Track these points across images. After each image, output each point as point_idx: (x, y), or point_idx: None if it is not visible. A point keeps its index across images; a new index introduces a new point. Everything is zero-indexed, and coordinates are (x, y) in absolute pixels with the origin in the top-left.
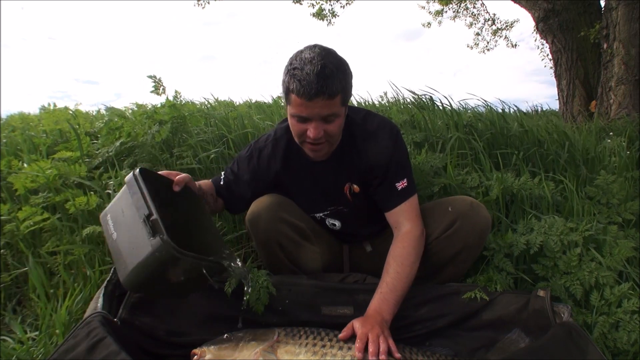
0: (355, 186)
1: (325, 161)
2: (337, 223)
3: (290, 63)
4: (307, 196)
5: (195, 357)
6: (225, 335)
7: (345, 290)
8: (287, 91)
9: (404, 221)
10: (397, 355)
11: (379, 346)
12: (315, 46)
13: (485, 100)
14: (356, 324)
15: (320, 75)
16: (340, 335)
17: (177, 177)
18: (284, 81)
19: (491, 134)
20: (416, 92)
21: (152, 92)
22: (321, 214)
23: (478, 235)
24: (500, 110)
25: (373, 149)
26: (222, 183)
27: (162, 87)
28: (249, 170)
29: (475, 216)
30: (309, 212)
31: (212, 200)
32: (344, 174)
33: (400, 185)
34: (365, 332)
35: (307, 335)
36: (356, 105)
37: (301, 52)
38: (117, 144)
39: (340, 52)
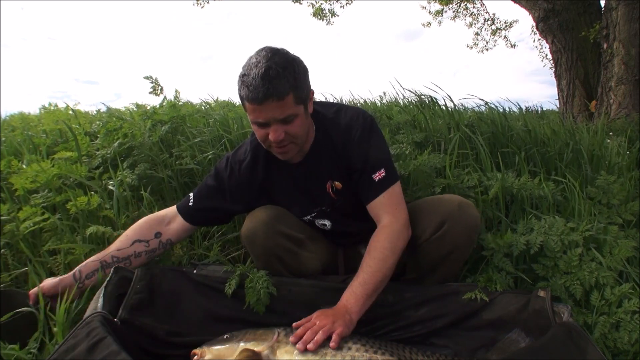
0: (337, 183)
1: (303, 162)
2: (327, 223)
3: (242, 69)
4: (292, 200)
5: (196, 357)
6: (226, 335)
7: (344, 290)
8: (241, 99)
9: (383, 214)
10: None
11: (314, 336)
12: (262, 49)
13: (484, 100)
14: (316, 314)
15: (264, 78)
16: (295, 324)
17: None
18: (238, 89)
19: (492, 133)
20: (417, 92)
21: (150, 93)
22: (309, 217)
23: (467, 235)
24: (501, 110)
25: (348, 143)
26: (193, 205)
27: (159, 87)
28: (231, 183)
29: (464, 216)
30: (299, 216)
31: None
32: (324, 173)
33: (378, 176)
34: (314, 323)
35: None
36: (358, 105)
37: (250, 57)
38: (116, 144)
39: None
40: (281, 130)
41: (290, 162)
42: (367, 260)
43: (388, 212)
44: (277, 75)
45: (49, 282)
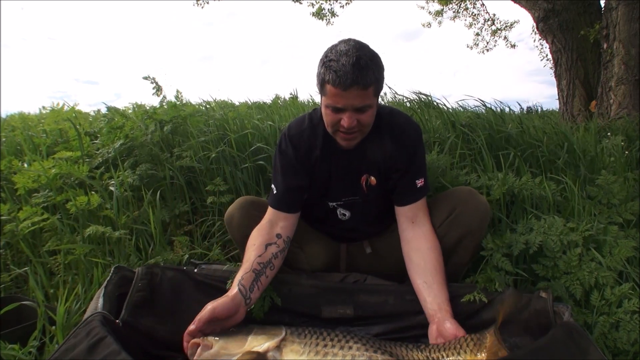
0: (372, 178)
1: (351, 151)
2: (347, 213)
3: (326, 55)
4: (326, 184)
5: (199, 348)
6: (231, 328)
7: (346, 290)
8: (322, 82)
9: (423, 217)
10: None
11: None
12: (349, 40)
13: (482, 101)
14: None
15: (355, 66)
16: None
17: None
18: (319, 73)
19: (489, 134)
20: (412, 94)
21: (153, 94)
22: (334, 203)
23: (479, 219)
24: (498, 111)
25: (400, 142)
26: (279, 193)
27: (159, 87)
28: (298, 156)
29: (475, 201)
30: (323, 199)
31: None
32: (364, 165)
33: (420, 182)
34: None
35: (312, 335)
36: None
37: (336, 45)
38: (117, 144)
39: (373, 51)
40: (354, 117)
41: (341, 148)
42: (433, 262)
43: (427, 216)
44: (366, 66)
45: (218, 304)
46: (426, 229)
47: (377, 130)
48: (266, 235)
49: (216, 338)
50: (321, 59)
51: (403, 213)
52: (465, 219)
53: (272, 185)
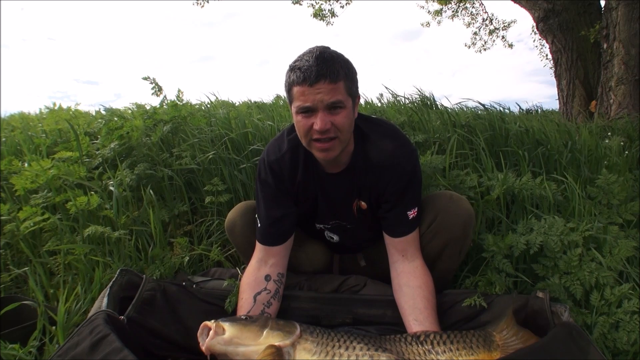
0: (362, 203)
1: (339, 174)
2: (335, 237)
3: (291, 64)
4: (314, 206)
5: (211, 332)
6: (243, 316)
7: (344, 302)
8: (289, 87)
9: (415, 252)
10: None
11: None
12: (315, 46)
13: (481, 103)
14: None
15: (319, 58)
16: None
17: None
18: (285, 81)
19: (490, 134)
20: (413, 94)
21: (152, 94)
22: (322, 226)
23: (461, 227)
24: (499, 111)
25: (390, 174)
26: (264, 227)
27: (158, 87)
28: (277, 183)
29: (455, 208)
30: (312, 222)
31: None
32: (355, 190)
33: (412, 214)
34: None
35: (322, 334)
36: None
37: (302, 53)
38: (115, 145)
39: (339, 52)
40: (327, 119)
41: (327, 170)
42: (424, 301)
43: (417, 249)
44: (331, 58)
45: None
46: (417, 264)
47: (363, 152)
48: (253, 283)
49: (227, 323)
50: (288, 67)
51: (393, 245)
52: (447, 226)
53: (256, 216)
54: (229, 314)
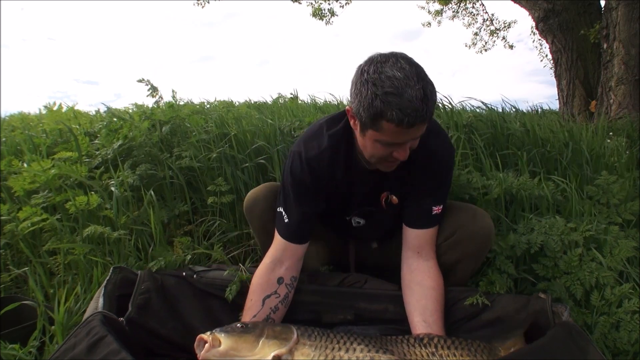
0: (394, 197)
1: (377, 170)
2: (362, 221)
3: (377, 84)
4: (344, 200)
5: (207, 344)
6: (239, 324)
7: (346, 296)
8: (375, 117)
9: (430, 251)
10: None
11: None
12: (397, 59)
13: (483, 102)
14: None
15: (424, 101)
16: None
17: None
18: (371, 105)
19: (491, 134)
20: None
21: (148, 95)
22: (350, 217)
23: (478, 246)
24: (500, 111)
25: (429, 166)
26: (293, 222)
27: (154, 88)
28: (314, 181)
29: (475, 227)
30: (340, 214)
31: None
32: (387, 183)
33: (436, 210)
34: None
35: (321, 337)
36: None
37: (383, 67)
38: (116, 145)
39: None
40: (408, 147)
41: (370, 168)
42: (435, 303)
43: (432, 248)
44: (431, 94)
45: None
46: (431, 264)
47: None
48: (265, 284)
49: (223, 335)
50: (368, 87)
51: (410, 239)
52: (465, 244)
53: (281, 210)
54: (229, 304)
